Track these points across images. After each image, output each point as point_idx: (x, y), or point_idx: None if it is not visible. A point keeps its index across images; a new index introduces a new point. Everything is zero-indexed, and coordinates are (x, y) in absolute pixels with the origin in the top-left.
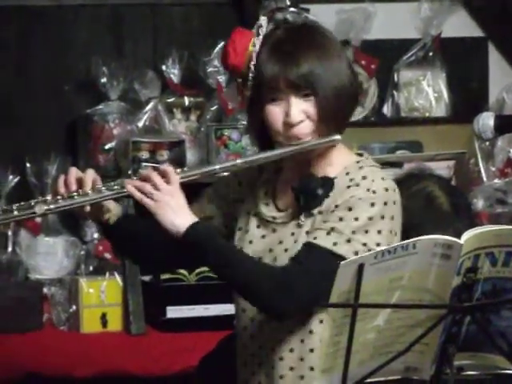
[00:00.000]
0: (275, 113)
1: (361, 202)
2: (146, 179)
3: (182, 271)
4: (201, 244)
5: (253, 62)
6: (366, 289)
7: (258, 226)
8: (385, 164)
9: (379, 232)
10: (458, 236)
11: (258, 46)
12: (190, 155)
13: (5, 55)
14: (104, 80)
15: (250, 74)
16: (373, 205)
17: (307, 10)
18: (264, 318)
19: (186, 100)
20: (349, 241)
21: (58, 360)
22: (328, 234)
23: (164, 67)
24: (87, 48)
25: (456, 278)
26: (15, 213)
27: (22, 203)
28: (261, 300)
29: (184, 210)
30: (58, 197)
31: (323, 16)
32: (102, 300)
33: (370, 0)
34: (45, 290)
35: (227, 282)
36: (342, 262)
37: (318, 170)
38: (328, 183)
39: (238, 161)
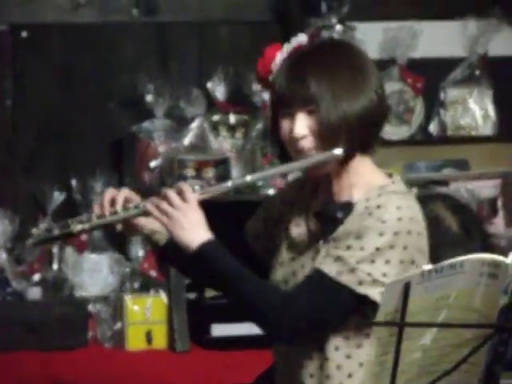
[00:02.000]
0: (283, 126)
1: (369, 232)
2: (163, 198)
3: None
4: (209, 263)
5: (271, 76)
6: (413, 308)
7: (288, 248)
8: (431, 183)
9: (387, 262)
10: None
11: (279, 61)
12: (236, 172)
13: (51, 73)
14: (150, 97)
15: (270, 82)
16: (381, 234)
17: (354, 28)
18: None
19: (232, 117)
20: (352, 270)
21: (102, 377)
22: (334, 261)
23: (209, 85)
24: (133, 65)
25: (503, 297)
26: (55, 232)
27: (62, 222)
28: (262, 322)
29: (198, 228)
30: (92, 215)
31: (369, 34)
32: (147, 317)
33: (416, 18)
34: (90, 307)
35: (232, 299)
36: (388, 282)
37: (341, 192)
38: (346, 209)
39: (248, 177)
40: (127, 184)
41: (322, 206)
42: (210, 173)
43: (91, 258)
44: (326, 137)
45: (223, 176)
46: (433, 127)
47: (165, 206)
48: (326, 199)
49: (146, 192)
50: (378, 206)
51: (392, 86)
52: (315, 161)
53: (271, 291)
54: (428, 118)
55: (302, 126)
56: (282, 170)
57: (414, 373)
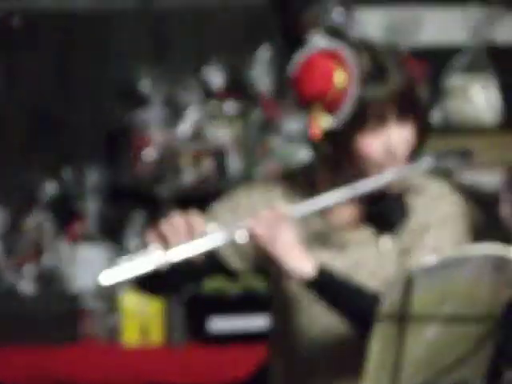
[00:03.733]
0: (374, 144)
1: (453, 218)
2: (266, 221)
3: (226, 282)
4: (328, 289)
5: (352, 89)
6: (416, 302)
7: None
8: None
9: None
10: None
11: (355, 71)
12: (233, 163)
13: (44, 61)
14: (145, 86)
15: (348, 103)
16: (463, 218)
17: (353, 13)
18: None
19: (230, 106)
20: None
21: (96, 372)
22: (431, 253)
23: (207, 72)
24: (128, 53)
25: (509, 291)
26: (136, 271)
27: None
28: (365, 329)
29: (303, 255)
30: (174, 246)
31: (370, 20)
32: (143, 312)
33: (419, 4)
34: (83, 301)
35: (347, 318)
36: (391, 278)
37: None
38: (403, 201)
39: (349, 192)
40: (121, 175)
41: (380, 202)
42: (207, 164)
43: (85, 249)
44: (421, 144)
45: (221, 167)
46: (436, 117)
47: (272, 230)
48: (380, 195)
49: (141, 183)
50: (442, 191)
51: None
52: (412, 171)
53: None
54: (431, 108)
55: (400, 139)
56: (380, 183)
57: (417, 369)
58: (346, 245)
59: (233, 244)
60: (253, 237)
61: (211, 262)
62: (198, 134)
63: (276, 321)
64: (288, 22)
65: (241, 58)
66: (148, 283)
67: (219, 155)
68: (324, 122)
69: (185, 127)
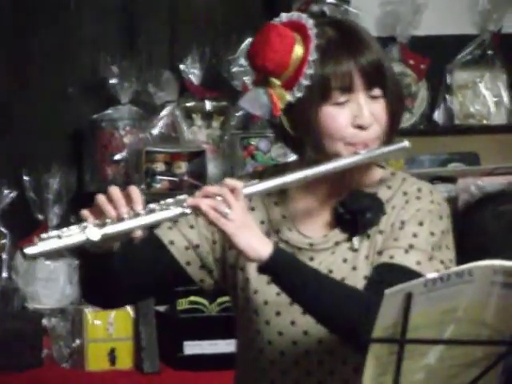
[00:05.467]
0: (341, 116)
1: (431, 216)
2: (213, 196)
3: (202, 301)
4: (288, 269)
5: (311, 57)
6: (415, 322)
7: None
8: (436, 179)
9: (448, 247)
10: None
11: (313, 39)
12: (212, 167)
13: None
14: (114, 81)
15: (308, 73)
16: (441, 218)
17: (347, 2)
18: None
19: (208, 104)
20: (430, 259)
21: None
22: (406, 252)
23: (182, 66)
24: (94, 44)
25: None
26: (65, 240)
27: (66, 228)
28: (349, 325)
29: (258, 232)
30: (107, 220)
31: (365, 8)
32: (111, 333)
33: None
34: (44, 321)
35: (307, 307)
36: (388, 291)
37: (350, 185)
38: (377, 199)
39: (303, 173)
40: (87, 181)
41: (348, 202)
42: (182, 167)
43: (46, 265)
44: (393, 123)
45: (198, 171)
46: (438, 115)
47: (222, 206)
48: (351, 195)
49: (108, 188)
50: (419, 189)
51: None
52: (386, 151)
53: (358, 291)
54: (433, 105)
55: (368, 111)
56: (344, 164)
57: None
58: (316, 250)
59: (191, 250)
60: (208, 213)
61: (171, 271)
62: (172, 135)
63: (241, 338)
64: (274, 10)
65: (221, 50)
66: (98, 286)
67: (196, 159)
68: (284, 98)
69: (158, 127)
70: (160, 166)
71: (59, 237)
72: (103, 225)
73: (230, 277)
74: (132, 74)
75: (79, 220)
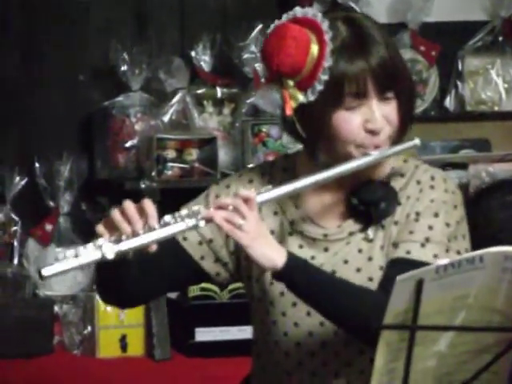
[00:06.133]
0: (353, 121)
1: (445, 206)
2: (227, 207)
3: (213, 287)
4: (302, 277)
5: (327, 63)
6: (426, 308)
7: (301, 247)
8: (447, 165)
9: (464, 237)
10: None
11: (329, 44)
12: (223, 154)
13: (9, 39)
14: (124, 68)
15: (322, 76)
16: (455, 207)
17: None
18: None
19: (219, 91)
20: (447, 251)
21: None
22: (423, 246)
23: (193, 53)
24: (106, 31)
25: None
26: (81, 260)
27: (83, 247)
28: (366, 324)
29: (273, 241)
30: (123, 236)
31: None
32: (122, 320)
33: None
34: (56, 308)
35: (323, 311)
36: (399, 277)
37: (363, 175)
38: (391, 189)
39: (320, 176)
40: (98, 167)
41: (361, 192)
42: (193, 154)
43: (57, 252)
44: (405, 124)
45: (209, 158)
46: (449, 102)
47: (236, 218)
48: (363, 184)
49: (120, 176)
50: (433, 178)
51: (402, 55)
52: (397, 151)
53: (371, 293)
54: (444, 92)
55: (380, 116)
56: (356, 166)
57: (428, 383)
58: (330, 240)
59: (205, 245)
60: (223, 225)
61: (185, 268)
62: (183, 122)
63: (257, 329)
64: None
65: (232, 36)
66: (114, 290)
67: (207, 146)
68: (297, 99)
69: (169, 114)
70: (171, 153)
71: (76, 256)
72: (118, 241)
73: (245, 268)
74: (143, 61)
75: (94, 236)
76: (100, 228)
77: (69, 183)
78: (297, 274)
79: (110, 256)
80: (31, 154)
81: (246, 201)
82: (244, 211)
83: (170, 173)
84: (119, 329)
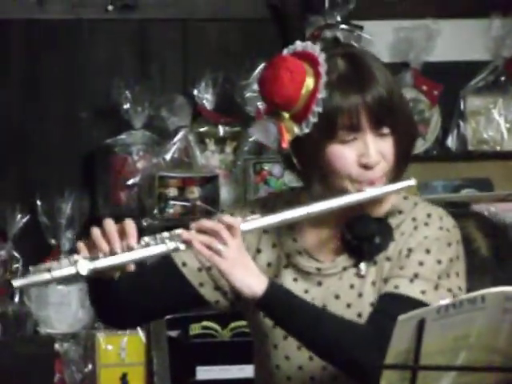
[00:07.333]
0: (347, 155)
1: (438, 243)
2: (209, 233)
3: (215, 326)
4: (282, 306)
5: (320, 95)
6: (428, 348)
7: (295, 280)
8: (449, 205)
9: (457, 274)
10: (498, 285)
11: (323, 77)
12: (225, 192)
13: (13, 76)
14: (127, 106)
15: (316, 110)
16: (449, 245)
17: (361, 28)
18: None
19: (221, 129)
20: (436, 288)
21: None
22: (411, 281)
23: (195, 91)
24: (108, 68)
25: None
26: (54, 274)
27: (57, 262)
28: (351, 358)
29: (254, 269)
30: (100, 254)
31: (379, 34)
32: (123, 358)
33: (432, 16)
34: (56, 346)
35: (305, 342)
36: (401, 317)
37: (362, 211)
38: (385, 225)
39: (306, 210)
40: (100, 205)
41: (354, 227)
42: (195, 192)
43: (58, 290)
44: (401, 161)
45: (211, 196)
46: (451, 141)
47: (215, 243)
48: (356, 219)
49: (122, 214)
50: (429, 215)
51: (405, 94)
52: (392, 190)
53: (355, 325)
54: (446, 131)
55: (375, 150)
56: (348, 201)
57: None
58: (324, 274)
59: (204, 272)
60: (201, 250)
61: (184, 293)
62: (185, 160)
63: (256, 360)
64: (286, 35)
65: (234, 75)
66: (106, 308)
67: (209, 184)
68: (293, 131)
69: (171, 152)
70: (173, 191)
71: (49, 270)
72: (95, 259)
73: (243, 299)
74: (145, 99)
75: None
76: (80, 244)
77: (70, 221)
78: (276, 302)
79: (84, 272)
80: (33, 191)
81: (230, 227)
82: (225, 237)
83: (171, 211)
84: (120, 367)
